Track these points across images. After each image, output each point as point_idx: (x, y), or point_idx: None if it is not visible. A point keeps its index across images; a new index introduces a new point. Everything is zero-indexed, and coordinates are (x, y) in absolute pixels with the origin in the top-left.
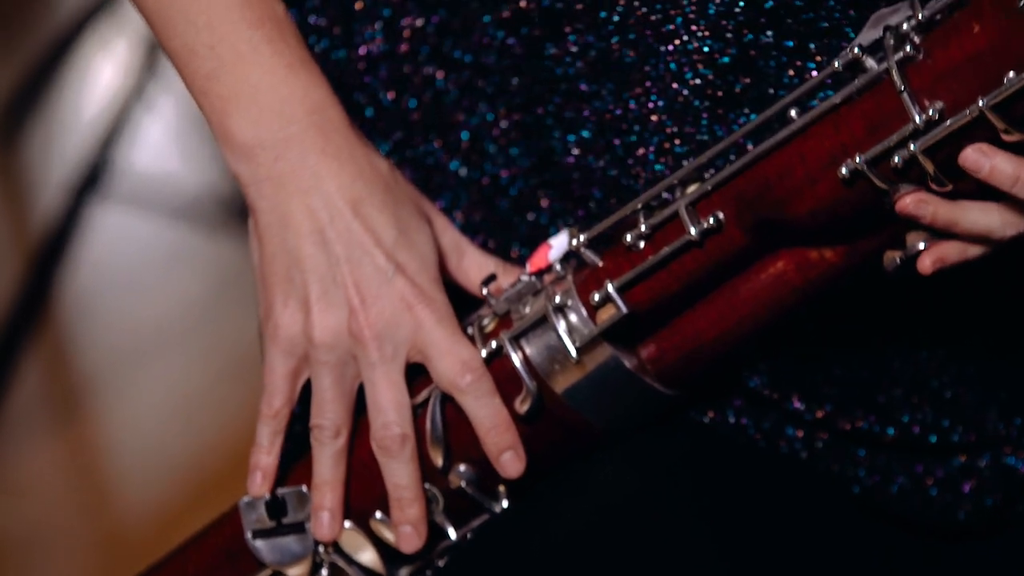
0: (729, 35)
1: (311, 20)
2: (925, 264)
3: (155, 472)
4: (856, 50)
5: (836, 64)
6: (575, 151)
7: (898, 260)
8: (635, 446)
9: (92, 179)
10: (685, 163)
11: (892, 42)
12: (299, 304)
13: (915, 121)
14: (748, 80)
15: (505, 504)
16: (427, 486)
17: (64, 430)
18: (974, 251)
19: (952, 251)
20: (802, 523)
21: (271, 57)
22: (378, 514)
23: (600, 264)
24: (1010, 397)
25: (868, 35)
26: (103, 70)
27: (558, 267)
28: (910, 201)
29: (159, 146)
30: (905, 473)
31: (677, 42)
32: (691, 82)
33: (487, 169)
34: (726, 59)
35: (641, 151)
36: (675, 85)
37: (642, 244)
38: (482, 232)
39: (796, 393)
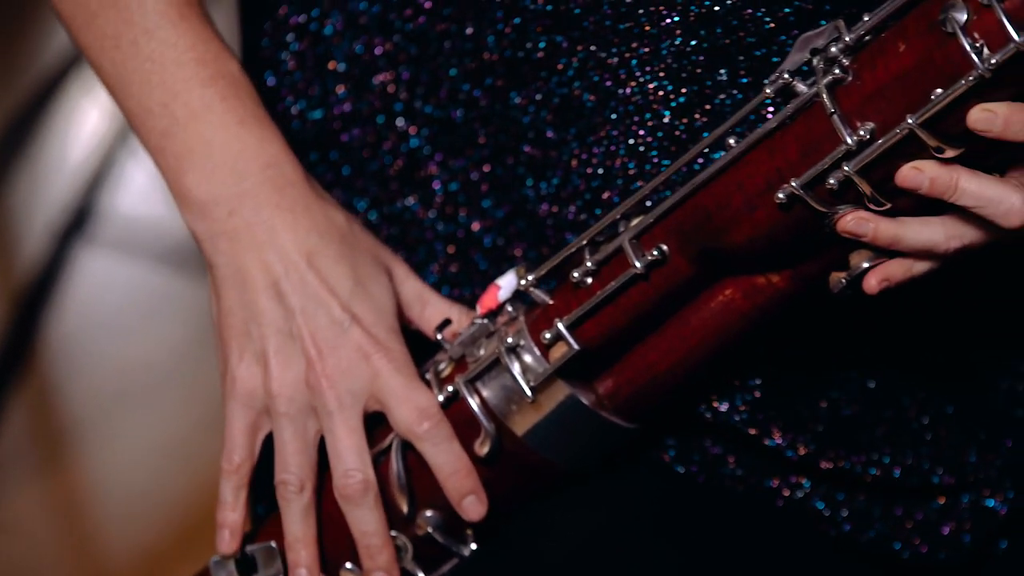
0: (684, 75)
1: (287, 82)
2: (871, 284)
3: (140, 515)
4: (786, 75)
5: (767, 90)
6: (546, 199)
7: (843, 281)
8: (603, 486)
9: (77, 223)
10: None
11: (821, 65)
12: (256, 358)
13: (847, 142)
14: (706, 119)
15: (473, 547)
16: (394, 534)
17: (49, 472)
18: (920, 267)
19: (897, 269)
20: (776, 565)
21: (224, 114)
22: (348, 564)
23: (550, 302)
24: (989, 438)
25: (795, 58)
26: (88, 115)
27: (509, 308)
28: (851, 219)
29: (144, 191)
30: (884, 517)
31: (634, 84)
32: (649, 123)
33: (461, 222)
34: (682, 99)
35: (607, 195)
36: (635, 127)
37: (589, 280)
38: (459, 285)
39: (778, 429)
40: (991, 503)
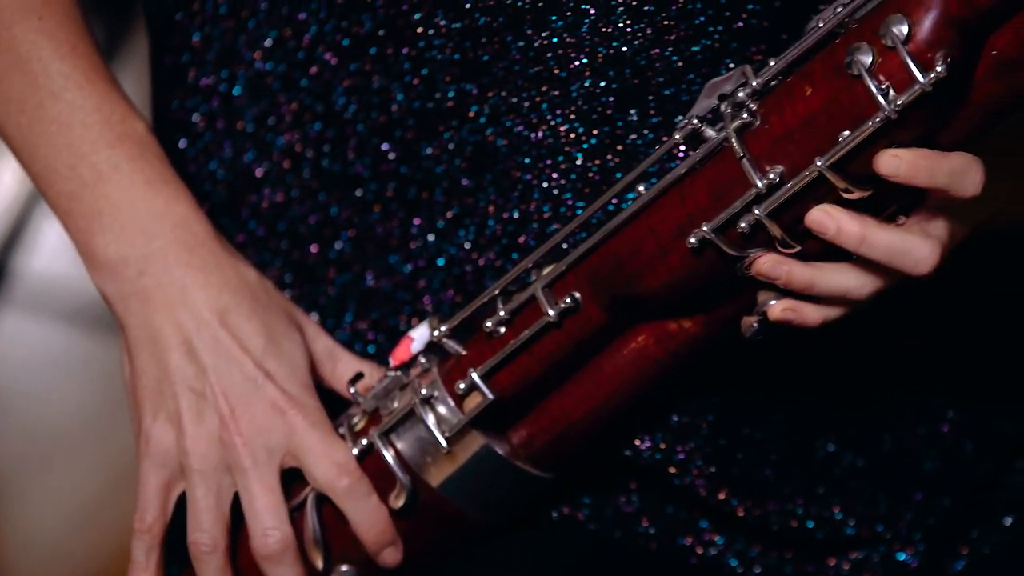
0: (595, 116)
1: (198, 144)
2: (775, 310)
3: None
4: (695, 121)
5: (676, 136)
6: (463, 247)
7: (755, 325)
8: (518, 545)
9: None
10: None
11: (729, 110)
12: (170, 417)
13: (757, 186)
14: (618, 159)
15: None
16: None
17: None
18: (833, 313)
19: (810, 312)
20: None
21: (132, 175)
22: None
23: (463, 353)
24: (900, 491)
25: (703, 104)
26: (1, 176)
27: (423, 359)
28: (765, 263)
29: (56, 251)
30: (797, 573)
31: (545, 128)
32: (562, 166)
33: (369, 278)
34: (594, 140)
35: (523, 239)
36: (548, 171)
37: (503, 329)
38: (370, 341)
39: (697, 471)
40: (902, 556)
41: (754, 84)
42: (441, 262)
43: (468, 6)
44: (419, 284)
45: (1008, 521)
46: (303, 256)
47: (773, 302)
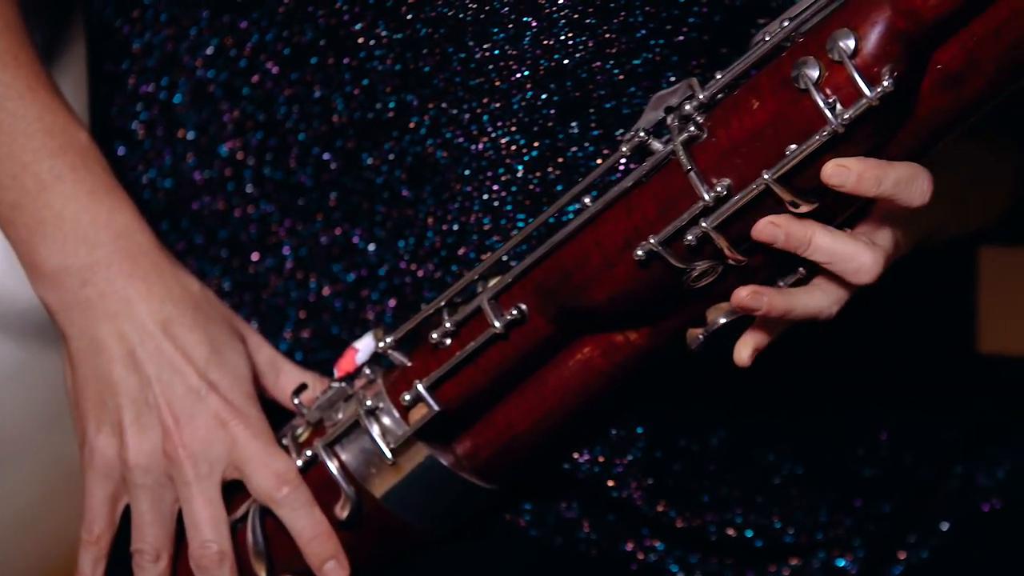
0: (536, 129)
1: (137, 151)
2: (743, 358)
3: None
4: (641, 133)
5: (623, 149)
6: (404, 258)
7: (701, 337)
8: (460, 552)
9: None
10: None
11: (676, 123)
12: (113, 428)
13: (704, 199)
14: (559, 172)
15: None
16: None
17: None
18: (780, 329)
19: (762, 335)
20: None
21: (74, 184)
22: None
23: (409, 364)
24: (840, 498)
25: (649, 117)
26: None
27: (367, 371)
28: (745, 295)
29: None
30: None
31: (486, 139)
32: (503, 178)
33: (311, 287)
34: (535, 152)
35: (463, 251)
36: (489, 183)
37: (448, 341)
38: (312, 350)
39: (636, 483)
40: (842, 563)
41: (701, 97)
42: (382, 272)
43: (409, 17)
44: (361, 293)
45: (945, 526)
46: (244, 265)
47: (723, 319)
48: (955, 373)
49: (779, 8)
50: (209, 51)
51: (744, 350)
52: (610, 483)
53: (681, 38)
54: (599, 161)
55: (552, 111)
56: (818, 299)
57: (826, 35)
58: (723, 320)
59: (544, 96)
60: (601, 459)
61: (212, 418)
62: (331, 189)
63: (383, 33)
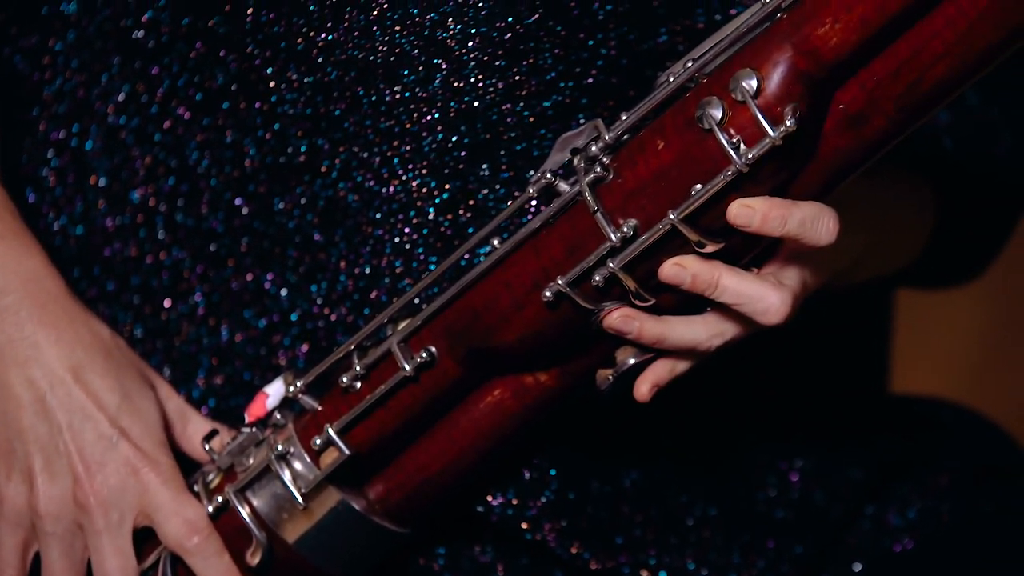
0: (447, 171)
1: (48, 198)
2: (642, 392)
3: None
4: (548, 175)
5: (530, 190)
6: (318, 301)
7: (610, 378)
8: None
9: None
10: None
11: (582, 164)
12: (23, 476)
13: (611, 239)
14: (470, 214)
15: None
16: None
17: None
18: (681, 367)
19: (662, 371)
20: None
21: None
22: None
23: (319, 408)
24: (752, 539)
25: (556, 159)
26: None
27: (278, 415)
28: (616, 317)
29: None
30: None
31: (397, 182)
32: (414, 221)
33: (223, 334)
34: (446, 195)
35: (375, 294)
36: (400, 225)
37: (359, 384)
38: (224, 396)
39: (552, 531)
40: None
41: (606, 138)
42: (294, 317)
43: (320, 60)
44: (273, 339)
45: (858, 567)
46: (156, 311)
47: (632, 360)
48: (867, 413)
49: (687, 51)
50: (121, 97)
51: (643, 385)
52: (524, 525)
53: (590, 80)
54: (510, 203)
55: (463, 153)
56: (697, 330)
57: (729, 76)
58: (632, 360)
59: (455, 138)
60: (515, 501)
61: (123, 465)
62: (243, 234)
63: (294, 76)
